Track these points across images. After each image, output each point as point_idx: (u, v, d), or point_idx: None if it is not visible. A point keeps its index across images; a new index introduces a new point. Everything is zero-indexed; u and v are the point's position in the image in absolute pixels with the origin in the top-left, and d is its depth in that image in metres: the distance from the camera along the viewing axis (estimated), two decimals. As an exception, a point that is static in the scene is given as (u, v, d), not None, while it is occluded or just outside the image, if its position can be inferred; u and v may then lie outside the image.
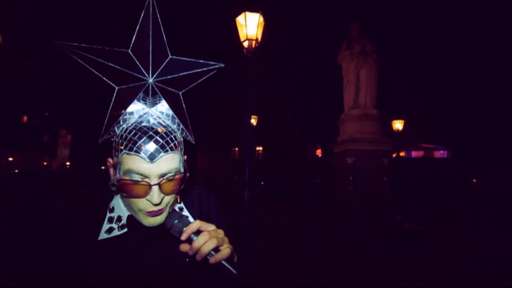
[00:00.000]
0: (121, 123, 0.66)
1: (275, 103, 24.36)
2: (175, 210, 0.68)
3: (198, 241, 0.60)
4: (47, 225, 0.72)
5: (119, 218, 0.70)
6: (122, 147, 0.62)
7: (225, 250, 0.61)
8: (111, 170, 0.67)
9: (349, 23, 7.77)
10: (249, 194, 3.55)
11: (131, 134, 0.62)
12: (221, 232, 0.64)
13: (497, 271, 4.46)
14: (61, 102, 34.36)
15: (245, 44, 4.41)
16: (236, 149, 25.21)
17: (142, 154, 0.60)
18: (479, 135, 21.16)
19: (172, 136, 0.65)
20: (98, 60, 0.61)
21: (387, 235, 5.67)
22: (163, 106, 0.70)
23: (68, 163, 36.98)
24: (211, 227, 0.64)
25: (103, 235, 0.68)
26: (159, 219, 0.65)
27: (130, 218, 0.69)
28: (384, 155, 6.79)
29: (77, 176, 16.21)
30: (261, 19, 4.44)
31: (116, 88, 0.64)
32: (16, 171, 25.05)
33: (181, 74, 0.66)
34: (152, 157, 0.61)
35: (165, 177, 0.63)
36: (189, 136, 0.72)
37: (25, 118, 31.99)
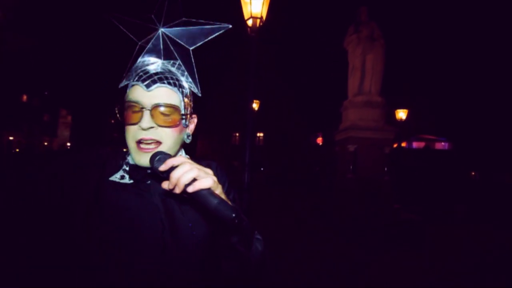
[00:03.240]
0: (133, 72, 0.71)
1: (277, 89, 24.04)
2: (162, 151, 0.62)
3: (176, 171, 0.55)
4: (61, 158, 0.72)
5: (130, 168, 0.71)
6: (129, 81, 0.69)
7: (206, 178, 0.55)
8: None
9: (357, 7, 7.49)
10: (249, 177, 3.51)
11: (136, 69, 0.70)
12: (208, 171, 0.58)
13: (492, 262, 4.49)
14: (61, 82, 33.99)
15: (249, 22, 4.22)
16: (237, 134, 25.11)
17: (140, 83, 0.65)
18: (481, 129, 21.00)
19: (174, 77, 0.69)
20: (124, 18, 0.73)
21: (385, 224, 5.68)
22: (175, 63, 0.74)
23: (68, 144, 37.04)
24: (195, 163, 0.58)
25: (114, 178, 0.69)
26: (147, 158, 0.62)
27: (132, 166, 0.70)
28: (386, 143, 6.71)
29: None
30: (267, -4, 4.23)
31: (139, 43, 0.72)
32: (17, 150, 25.11)
33: (189, 27, 0.74)
34: (148, 85, 0.65)
35: (158, 107, 0.65)
36: (196, 89, 0.75)
37: (24, 97, 31.72)
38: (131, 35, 0.73)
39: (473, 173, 19.97)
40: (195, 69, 0.75)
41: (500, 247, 5.39)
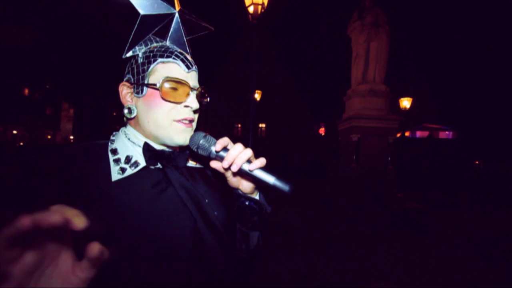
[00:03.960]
0: (143, 45, 0.67)
1: (279, 80, 23.80)
2: (198, 130, 0.67)
3: (233, 150, 0.60)
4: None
5: (128, 158, 0.63)
6: (156, 57, 0.64)
7: (262, 158, 0.61)
8: (127, 94, 0.66)
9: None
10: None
11: (163, 48, 0.66)
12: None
13: (494, 249, 4.48)
14: (62, 76, 33.90)
15: (250, 9, 4.12)
16: (239, 125, 25.04)
17: (178, 61, 0.64)
18: (485, 118, 20.77)
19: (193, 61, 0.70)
20: None
21: (388, 212, 5.68)
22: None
23: (71, 137, 37.22)
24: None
25: (116, 176, 0.59)
26: (188, 137, 0.65)
27: (147, 146, 0.64)
28: (390, 133, 6.64)
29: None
30: (268, -19, 4.12)
31: (141, 13, 0.67)
32: (21, 143, 25.29)
33: (190, 18, 0.74)
34: (188, 67, 0.65)
35: (200, 90, 0.68)
36: None
37: (26, 90, 31.74)
38: (137, 7, 0.67)
39: (476, 162, 19.87)
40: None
41: (504, 233, 5.38)
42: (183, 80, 0.64)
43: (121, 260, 0.53)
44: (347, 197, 6.29)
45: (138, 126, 0.66)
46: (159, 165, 0.65)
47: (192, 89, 0.65)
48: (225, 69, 24.63)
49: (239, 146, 0.61)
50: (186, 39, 0.73)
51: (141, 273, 0.56)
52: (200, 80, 0.71)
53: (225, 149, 0.62)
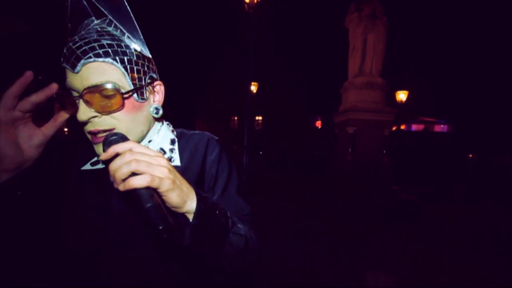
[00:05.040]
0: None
1: (276, 72, 23.64)
2: (118, 133, 0.51)
3: (114, 163, 0.44)
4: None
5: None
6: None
7: (144, 176, 0.44)
8: None
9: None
10: (247, 159, 3.48)
11: (66, 46, 0.53)
12: (160, 161, 0.46)
13: (486, 240, 4.57)
14: (55, 66, 33.32)
15: (246, -2, 4.04)
16: (235, 118, 24.93)
17: (65, 64, 0.53)
18: (479, 112, 20.95)
19: (106, 42, 0.53)
20: None
21: (383, 205, 5.74)
22: (111, 22, 0.56)
23: (66, 129, 36.78)
24: (146, 150, 0.46)
25: (87, 166, 0.65)
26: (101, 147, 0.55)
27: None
28: (386, 125, 6.66)
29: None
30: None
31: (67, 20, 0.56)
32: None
33: None
34: (73, 65, 0.52)
35: (90, 91, 0.52)
36: (144, 49, 0.58)
37: (18, 82, 31.20)
38: None
39: (470, 156, 20.11)
40: (135, 23, 0.56)
41: (497, 226, 5.47)
42: (66, 89, 0.54)
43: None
44: (342, 189, 6.33)
45: None
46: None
47: (75, 97, 0.53)
48: (222, 61, 24.37)
49: (124, 157, 0.44)
50: (110, 6, 0.55)
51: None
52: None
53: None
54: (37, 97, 0.52)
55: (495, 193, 8.87)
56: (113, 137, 0.49)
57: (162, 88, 0.65)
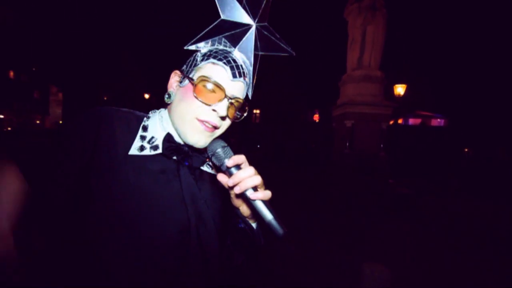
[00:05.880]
0: (209, 43, 0.68)
1: (273, 64, 23.45)
2: (220, 139, 0.66)
3: (243, 172, 0.59)
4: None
5: (152, 140, 0.67)
6: (210, 57, 0.64)
7: (267, 191, 0.60)
8: (174, 82, 0.68)
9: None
10: (245, 151, 3.46)
11: (223, 51, 0.66)
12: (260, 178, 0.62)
13: (480, 232, 4.64)
14: (49, 57, 32.68)
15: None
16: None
17: (227, 67, 0.63)
18: (475, 107, 21.05)
19: (248, 75, 0.69)
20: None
21: (380, 198, 5.79)
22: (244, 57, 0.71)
23: (61, 122, 36.38)
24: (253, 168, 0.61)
25: (134, 151, 0.64)
26: (204, 139, 0.64)
27: (168, 136, 0.67)
28: (384, 119, 6.66)
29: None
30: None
31: (221, 17, 0.68)
32: (9, 128, 24.61)
33: (268, 33, 0.72)
34: (234, 75, 0.64)
35: (236, 101, 0.65)
36: (250, 92, 0.73)
37: (11, 73, 30.58)
38: (220, 10, 0.69)
39: (466, 150, 20.29)
40: (255, 74, 0.74)
41: (490, 218, 5.55)
42: (221, 85, 0.63)
43: (108, 224, 0.58)
44: (339, 182, 6.36)
45: (171, 113, 0.68)
46: (175, 158, 0.67)
47: (228, 97, 0.64)
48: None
49: (251, 170, 0.60)
50: (256, 53, 0.71)
51: (121, 248, 0.58)
52: (252, 101, 0.68)
53: (237, 166, 0.61)
54: None
55: (488, 187, 8.97)
56: (225, 146, 0.63)
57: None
